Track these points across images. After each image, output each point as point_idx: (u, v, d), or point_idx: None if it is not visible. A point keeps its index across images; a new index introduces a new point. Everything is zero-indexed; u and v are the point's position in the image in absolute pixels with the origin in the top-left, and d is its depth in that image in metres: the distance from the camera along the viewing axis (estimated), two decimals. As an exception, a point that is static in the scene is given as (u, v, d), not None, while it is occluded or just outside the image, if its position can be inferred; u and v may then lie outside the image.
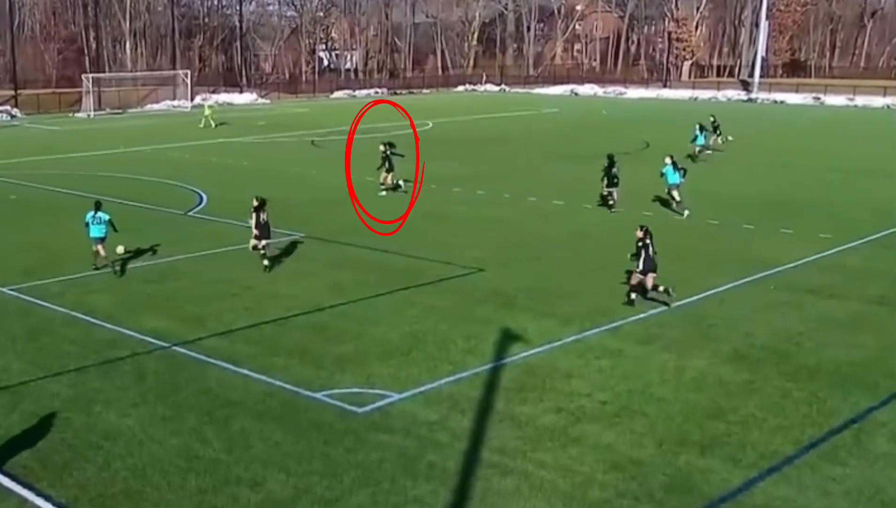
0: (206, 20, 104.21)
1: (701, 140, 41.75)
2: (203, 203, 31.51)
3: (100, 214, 22.41)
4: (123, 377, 15.40)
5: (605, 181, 30.35)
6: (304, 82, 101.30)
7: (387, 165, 32.88)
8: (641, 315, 18.88)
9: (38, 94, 75.15)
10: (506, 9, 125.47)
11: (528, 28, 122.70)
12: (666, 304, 19.44)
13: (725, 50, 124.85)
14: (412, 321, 18.39)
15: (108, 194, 32.66)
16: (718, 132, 45.33)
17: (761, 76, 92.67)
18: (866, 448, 13.01)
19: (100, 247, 22.24)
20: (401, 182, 33.50)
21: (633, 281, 19.57)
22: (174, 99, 77.37)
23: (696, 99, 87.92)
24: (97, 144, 49.72)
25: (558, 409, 14.18)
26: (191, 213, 29.94)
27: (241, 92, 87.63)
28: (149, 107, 76.37)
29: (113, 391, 14.80)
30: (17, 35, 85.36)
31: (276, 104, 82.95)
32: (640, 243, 19.42)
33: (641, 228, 19.72)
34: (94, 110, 70.41)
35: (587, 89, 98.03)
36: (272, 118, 65.84)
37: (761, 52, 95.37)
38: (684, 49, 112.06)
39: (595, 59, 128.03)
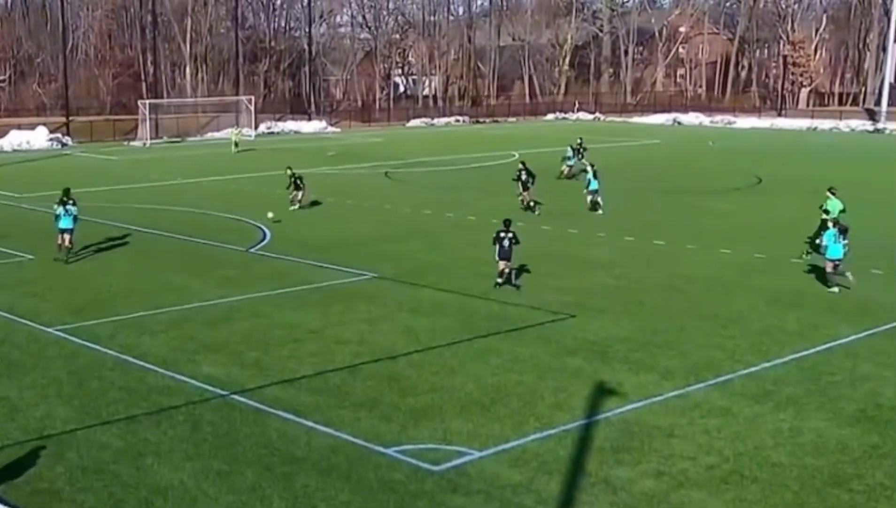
0: (273, 43, 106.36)
1: (573, 161, 46.23)
2: (266, 239, 31.98)
3: (69, 206, 27.80)
4: (177, 427, 15.61)
5: (520, 187, 37.30)
6: (377, 110, 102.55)
7: (294, 185, 38.44)
8: (752, 369, 18.59)
9: (91, 121, 77.31)
10: (601, 31, 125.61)
11: (626, 52, 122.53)
12: (516, 287, 24.65)
13: (848, 76, 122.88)
14: (494, 372, 18.34)
15: (164, 229, 33.47)
16: (581, 155, 48.28)
17: (889, 105, 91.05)
18: None
19: (66, 237, 27.79)
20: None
21: (497, 268, 24.96)
22: (237, 127, 79.01)
23: (815, 129, 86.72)
24: (153, 174, 50.91)
25: (658, 473, 13.97)
26: (253, 250, 30.39)
27: (310, 119, 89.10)
28: (209, 135, 77.99)
29: (165, 442, 15.01)
30: (70, 59, 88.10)
31: (347, 133, 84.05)
32: (496, 234, 24.83)
33: (504, 221, 25.19)
34: (151, 139, 72.16)
35: (691, 118, 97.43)
36: (342, 148, 66.65)
37: (889, 78, 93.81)
38: (802, 74, 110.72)
39: (700, 86, 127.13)
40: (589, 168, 38.31)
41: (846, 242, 24.87)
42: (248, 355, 19.44)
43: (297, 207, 38.07)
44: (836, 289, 24.74)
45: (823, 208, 29.53)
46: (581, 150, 49.19)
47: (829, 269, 25.02)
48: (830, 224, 25.39)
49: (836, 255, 24.84)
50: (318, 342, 20.37)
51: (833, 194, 30.09)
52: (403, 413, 16.16)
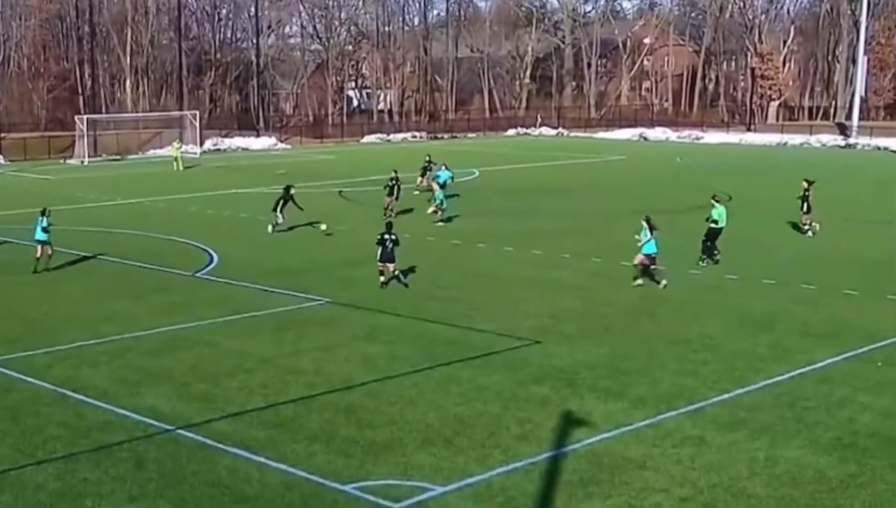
0: (219, 55, 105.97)
1: (444, 177, 46.45)
2: (213, 263, 31.81)
3: (44, 218, 29.90)
4: (119, 465, 15.41)
5: (394, 195, 41.59)
6: (330, 125, 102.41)
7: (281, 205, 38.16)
8: (725, 396, 18.70)
9: (24, 138, 76.47)
10: (563, 42, 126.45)
11: (589, 64, 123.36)
12: (405, 285, 27.56)
13: (818, 89, 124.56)
14: (457, 402, 18.31)
15: (104, 252, 33.15)
16: (425, 172, 49.31)
17: (861, 119, 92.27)
18: None
19: (44, 248, 29.88)
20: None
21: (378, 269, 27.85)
22: (179, 143, 78.49)
23: (785, 144, 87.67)
24: (92, 194, 50.47)
25: (629, 506, 14.00)
26: (199, 274, 30.20)
27: (259, 135, 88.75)
28: (152, 152, 77.49)
29: (107, 482, 14.81)
30: (2, 72, 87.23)
31: (299, 150, 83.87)
32: (379, 237, 27.66)
33: (386, 224, 28.40)
34: (89, 157, 71.62)
35: (658, 133, 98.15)
36: (293, 166, 66.43)
37: (860, 91, 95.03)
38: (770, 88, 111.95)
39: (667, 99, 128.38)
40: (437, 184, 42.03)
41: (654, 238, 27.91)
42: (196, 386, 19.26)
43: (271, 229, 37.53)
44: (639, 282, 28.08)
45: (710, 218, 31.54)
46: (425, 167, 50.20)
47: (636, 261, 28.18)
48: (643, 222, 27.94)
49: (651, 251, 27.75)
50: (270, 371, 20.23)
51: (717, 201, 31.84)
52: (361, 447, 16.08)
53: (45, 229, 29.88)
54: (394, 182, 42.22)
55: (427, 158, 51.10)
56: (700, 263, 31.15)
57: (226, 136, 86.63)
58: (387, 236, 27.68)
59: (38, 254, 29.96)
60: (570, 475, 15.03)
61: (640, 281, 28.16)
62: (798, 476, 15.10)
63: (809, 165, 68.46)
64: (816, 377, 19.98)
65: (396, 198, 42.01)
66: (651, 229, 27.74)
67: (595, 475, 15.02)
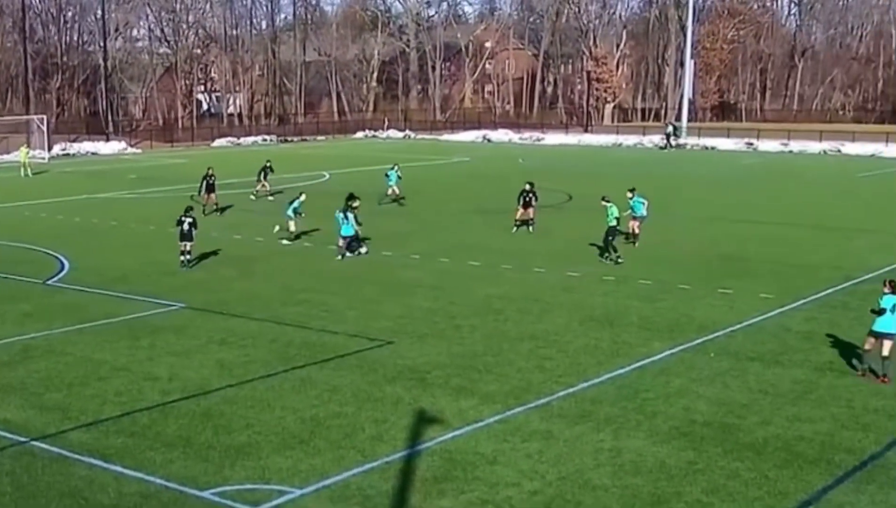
0: (65, 58, 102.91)
1: (393, 180, 47.11)
2: (65, 270, 30.84)
3: None
4: (-28, 479, 14.83)
5: (214, 191, 43.73)
6: (180, 129, 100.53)
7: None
8: (571, 390, 19.02)
9: None
10: (408, 46, 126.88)
11: (434, 67, 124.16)
12: (192, 264, 30.32)
13: (650, 91, 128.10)
14: (312, 404, 18.18)
15: (-48, 262, 31.83)
16: (265, 175, 49.15)
17: (689, 120, 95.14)
18: (826, 536, 13.21)
19: None
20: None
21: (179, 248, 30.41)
22: (26, 147, 75.77)
23: (620, 145, 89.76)
24: (-63, 202, 48.41)
25: (482, 501, 14.11)
26: (50, 281, 29.25)
27: (108, 140, 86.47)
28: (-3, 158, 74.80)
29: (-41, 496, 14.26)
30: None
31: (149, 154, 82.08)
32: (179, 218, 30.07)
33: (186, 207, 31.04)
34: (-67, 163, 68.77)
35: (501, 135, 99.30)
36: (144, 170, 65.10)
37: (688, 93, 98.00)
38: (605, 90, 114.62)
39: (508, 102, 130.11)
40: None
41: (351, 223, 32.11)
42: (48, 396, 18.66)
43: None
44: (339, 258, 32.13)
45: (612, 216, 32.22)
46: (265, 170, 49.25)
47: (339, 244, 32.25)
48: (348, 211, 32.33)
49: (347, 233, 32.17)
50: (125, 379, 19.72)
51: (608, 201, 32.64)
52: (219, 453, 15.83)
53: None
54: (210, 179, 43.67)
55: (267, 162, 50.00)
56: (604, 260, 31.76)
57: (74, 140, 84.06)
58: (185, 218, 30.13)
59: None
60: (425, 472, 15.09)
61: (339, 257, 32.04)
62: (641, 465, 15.46)
63: (642, 164, 70.37)
64: (655, 370, 20.49)
65: (214, 193, 43.48)
66: (347, 215, 32.05)
67: (449, 471, 15.11)
